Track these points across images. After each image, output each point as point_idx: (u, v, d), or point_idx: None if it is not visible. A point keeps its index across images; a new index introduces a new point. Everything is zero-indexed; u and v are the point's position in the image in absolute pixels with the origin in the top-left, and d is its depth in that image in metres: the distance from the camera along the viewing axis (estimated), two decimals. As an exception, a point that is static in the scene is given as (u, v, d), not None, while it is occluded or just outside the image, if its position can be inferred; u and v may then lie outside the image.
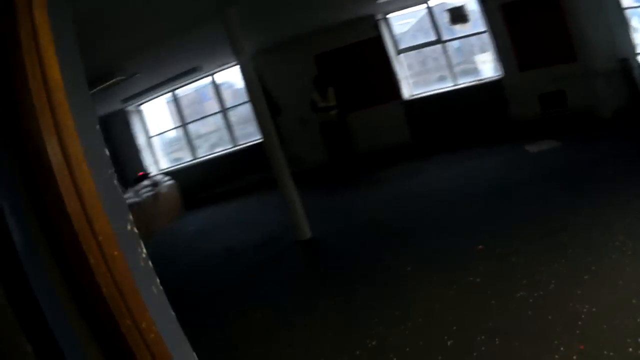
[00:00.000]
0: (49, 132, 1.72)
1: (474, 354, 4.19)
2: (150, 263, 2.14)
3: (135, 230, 2.12)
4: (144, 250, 2.12)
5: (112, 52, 8.92)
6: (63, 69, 1.84)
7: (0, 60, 1.72)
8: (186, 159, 17.17)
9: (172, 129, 17.43)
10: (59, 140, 1.75)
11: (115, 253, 1.85)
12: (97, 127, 2.14)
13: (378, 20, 12.84)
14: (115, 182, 2.07)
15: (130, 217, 2.10)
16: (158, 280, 2.18)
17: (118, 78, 10.79)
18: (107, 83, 10.70)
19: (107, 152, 2.19)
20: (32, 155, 1.71)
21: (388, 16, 13.03)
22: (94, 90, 10.73)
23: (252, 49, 13.04)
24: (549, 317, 4.27)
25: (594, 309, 4.13)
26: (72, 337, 1.73)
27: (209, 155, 16.73)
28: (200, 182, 15.79)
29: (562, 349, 3.81)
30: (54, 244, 1.76)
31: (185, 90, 16.60)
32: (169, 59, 11.40)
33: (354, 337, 5.14)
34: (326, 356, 5.00)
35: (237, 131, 16.17)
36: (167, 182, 15.11)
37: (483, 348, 4.21)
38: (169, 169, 16.90)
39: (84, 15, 6.00)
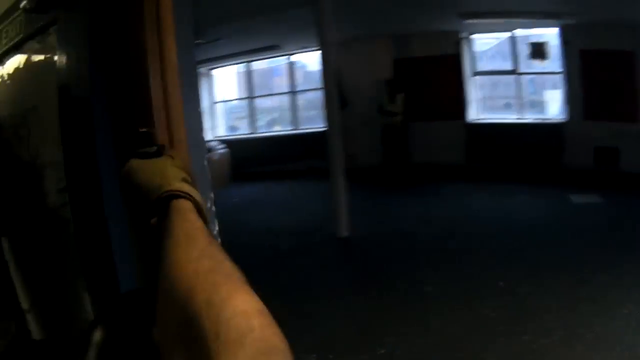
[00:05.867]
0: (159, 108, 1.82)
1: (469, 384, 4.42)
2: (219, 239, 2.34)
3: (214, 208, 2.33)
4: (217, 228, 2.32)
5: (201, 15, 9.17)
6: (180, 54, 1.93)
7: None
8: (244, 131, 17.43)
9: (239, 99, 17.63)
10: (167, 119, 1.84)
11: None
12: (199, 110, 2.29)
13: (461, 38, 12.95)
14: (205, 163, 2.24)
15: (212, 195, 2.30)
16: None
17: (199, 41, 11.05)
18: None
19: (204, 136, 2.36)
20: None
21: (471, 36, 13.12)
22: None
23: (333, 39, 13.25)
24: (546, 366, 4.48)
25: (587, 368, 4.33)
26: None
27: (266, 132, 16.95)
28: (252, 156, 15.91)
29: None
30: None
31: (258, 64, 16.84)
32: (252, 32, 11.64)
33: (365, 341, 5.37)
34: (335, 353, 5.24)
35: (301, 115, 16.34)
36: (221, 150, 15.37)
37: (479, 381, 4.44)
38: (225, 138, 17.10)
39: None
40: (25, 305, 2.27)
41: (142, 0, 1.82)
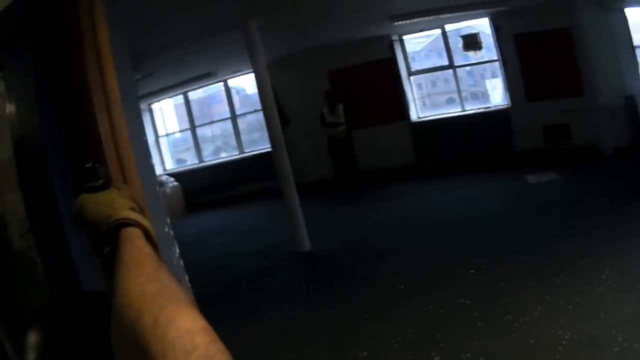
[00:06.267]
0: (108, 142, 1.91)
1: (458, 370, 4.39)
2: (181, 262, 2.36)
3: (172, 232, 2.34)
4: (177, 251, 2.34)
5: (132, 52, 9.13)
6: (121, 87, 2.03)
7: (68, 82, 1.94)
8: (191, 161, 17.33)
9: (181, 130, 17.56)
10: (116, 151, 1.94)
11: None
12: (145, 137, 2.34)
13: (393, 41, 13.04)
14: (157, 188, 2.28)
15: (168, 220, 2.32)
16: (187, 277, 2.41)
17: (134, 77, 10.99)
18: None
19: (153, 161, 2.40)
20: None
21: (403, 37, 13.23)
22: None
23: (267, 59, 13.25)
24: (531, 341, 4.47)
25: (574, 337, 4.33)
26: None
27: (214, 160, 16.87)
28: (204, 186, 15.81)
29: (541, 372, 4.01)
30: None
31: (195, 93, 16.78)
32: (186, 62, 11.63)
33: (346, 347, 5.34)
34: (318, 363, 5.17)
35: (245, 138, 16.32)
36: (172, 183, 15.28)
37: (467, 365, 4.41)
38: (174, 171, 17.01)
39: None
40: (10, 352, 2.25)
41: (81, 38, 1.91)
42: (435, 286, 6.26)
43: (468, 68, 13.11)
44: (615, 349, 4.02)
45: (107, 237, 1.09)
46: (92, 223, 1.15)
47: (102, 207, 1.16)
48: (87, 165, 1.29)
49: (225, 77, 15.41)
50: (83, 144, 1.93)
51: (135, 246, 1.01)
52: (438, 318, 5.46)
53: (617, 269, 5.45)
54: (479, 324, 5.09)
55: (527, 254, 6.49)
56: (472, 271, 6.39)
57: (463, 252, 7.17)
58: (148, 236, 1.08)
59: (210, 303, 7.32)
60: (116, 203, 1.16)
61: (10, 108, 2.11)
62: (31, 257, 2.11)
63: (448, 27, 12.55)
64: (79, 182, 1.38)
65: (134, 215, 1.11)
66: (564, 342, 4.29)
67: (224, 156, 16.81)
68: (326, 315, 6.29)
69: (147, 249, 1.01)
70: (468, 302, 5.63)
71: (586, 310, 4.80)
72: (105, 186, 1.27)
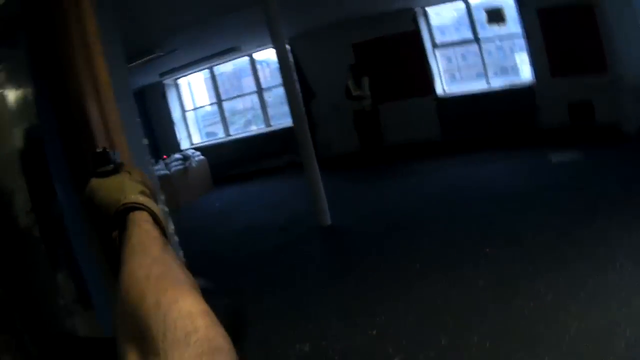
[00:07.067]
0: (98, 125, 1.93)
1: (464, 353, 4.39)
2: (176, 237, 2.41)
3: (166, 208, 2.40)
4: (172, 227, 2.40)
5: (154, 29, 9.16)
6: (112, 69, 2.06)
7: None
8: (219, 135, 17.41)
9: (208, 105, 17.67)
10: (106, 133, 1.96)
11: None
12: (137, 119, 2.40)
13: (416, 13, 12.92)
14: (150, 167, 2.35)
15: (162, 196, 2.37)
16: (182, 253, 2.46)
17: (157, 54, 11.03)
18: (145, 58, 10.93)
19: (146, 142, 2.46)
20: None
21: (427, 9, 13.09)
22: (133, 64, 10.96)
23: (291, 33, 13.16)
24: (539, 328, 4.43)
25: (583, 326, 4.27)
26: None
27: (241, 134, 17.00)
28: (230, 159, 15.95)
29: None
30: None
31: (224, 67, 16.84)
32: (208, 38, 11.65)
33: (357, 324, 5.39)
34: (329, 339, 5.23)
35: (272, 112, 16.39)
36: (198, 157, 15.38)
37: (473, 349, 4.39)
38: (201, 145, 17.13)
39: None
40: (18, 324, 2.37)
41: (69, 25, 1.93)
42: (451, 266, 6.24)
43: (498, 42, 12.95)
44: (622, 344, 3.96)
45: (115, 220, 1.10)
46: (102, 207, 1.16)
47: (112, 191, 1.17)
48: (98, 150, 1.30)
49: (250, 52, 15.45)
50: (76, 130, 1.95)
51: (142, 229, 1.02)
52: (450, 299, 5.46)
53: (633, 259, 5.33)
54: (490, 306, 5.06)
55: (544, 237, 6.40)
56: (488, 250, 6.37)
57: (481, 232, 7.13)
58: (156, 220, 1.09)
59: (229, 276, 7.48)
60: (126, 187, 1.17)
61: (10, 99, 2.18)
62: (35, 233, 2.26)
63: (472, 0, 12.38)
64: (74, 167, 1.48)
65: (143, 199, 1.12)
66: (571, 333, 4.25)
67: (254, 129, 16.96)
68: (340, 291, 6.38)
69: (154, 232, 1.02)
70: (481, 283, 5.60)
71: (598, 299, 4.72)
72: (116, 170, 1.28)
